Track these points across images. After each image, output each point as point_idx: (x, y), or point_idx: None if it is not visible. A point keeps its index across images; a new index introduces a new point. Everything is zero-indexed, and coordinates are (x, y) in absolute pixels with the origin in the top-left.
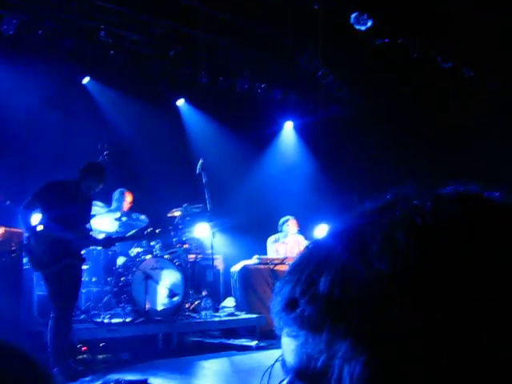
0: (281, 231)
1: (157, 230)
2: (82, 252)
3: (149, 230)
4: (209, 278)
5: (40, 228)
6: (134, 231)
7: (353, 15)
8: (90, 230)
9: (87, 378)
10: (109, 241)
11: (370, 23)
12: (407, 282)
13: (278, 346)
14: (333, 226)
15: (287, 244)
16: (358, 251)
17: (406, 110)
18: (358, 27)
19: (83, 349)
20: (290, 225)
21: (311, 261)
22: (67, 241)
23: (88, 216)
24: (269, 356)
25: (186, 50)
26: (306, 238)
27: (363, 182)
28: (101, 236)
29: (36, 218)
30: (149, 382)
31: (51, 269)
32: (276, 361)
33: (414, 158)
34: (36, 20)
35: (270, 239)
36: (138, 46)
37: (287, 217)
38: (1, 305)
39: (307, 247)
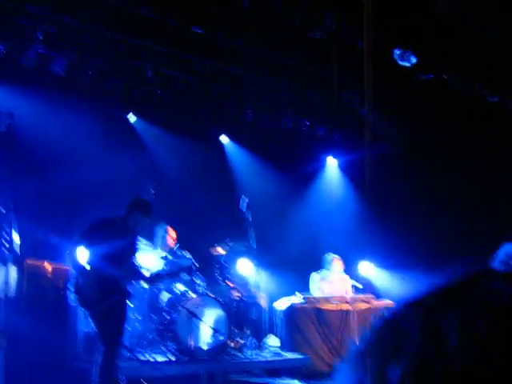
0: (326, 269)
1: (197, 265)
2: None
3: (191, 266)
4: (253, 316)
5: (88, 266)
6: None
7: (397, 52)
8: (136, 265)
9: None
10: (156, 277)
11: (414, 60)
12: (488, 380)
13: None
14: (404, 302)
15: (332, 283)
16: (435, 340)
17: (455, 145)
18: (402, 64)
19: None
20: (336, 264)
21: (382, 346)
22: (115, 277)
23: (134, 251)
24: None
25: (231, 89)
26: (351, 278)
27: (410, 221)
28: (146, 274)
29: (84, 256)
30: None
31: (101, 306)
32: None
33: (465, 195)
34: (86, 61)
35: (315, 277)
36: (184, 85)
37: (333, 255)
38: (48, 341)
39: (377, 324)
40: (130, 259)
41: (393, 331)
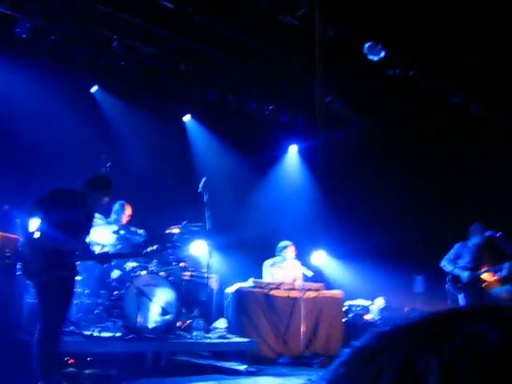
0: (279, 255)
1: (154, 247)
2: (77, 264)
3: (148, 250)
4: (202, 297)
5: (37, 235)
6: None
7: (366, 45)
8: (89, 243)
9: None
10: (106, 257)
11: (383, 54)
12: None
13: (266, 373)
14: (376, 333)
15: (284, 269)
16: (411, 382)
17: (414, 140)
18: (371, 57)
19: (70, 362)
20: (289, 251)
21: (350, 380)
22: (62, 252)
23: (89, 229)
24: (258, 383)
25: (196, 66)
26: (303, 264)
27: (365, 210)
28: (97, 248)
29: (35, 224)
30: None
31: (42, 278)
32: None
33: (419, 188)
34: (49, 25)
35: (267, 263)
36: (149, 58)
37: (286, 242)
38: None
39: (346, 354)
40: (83, 236)
41: (363, 366)
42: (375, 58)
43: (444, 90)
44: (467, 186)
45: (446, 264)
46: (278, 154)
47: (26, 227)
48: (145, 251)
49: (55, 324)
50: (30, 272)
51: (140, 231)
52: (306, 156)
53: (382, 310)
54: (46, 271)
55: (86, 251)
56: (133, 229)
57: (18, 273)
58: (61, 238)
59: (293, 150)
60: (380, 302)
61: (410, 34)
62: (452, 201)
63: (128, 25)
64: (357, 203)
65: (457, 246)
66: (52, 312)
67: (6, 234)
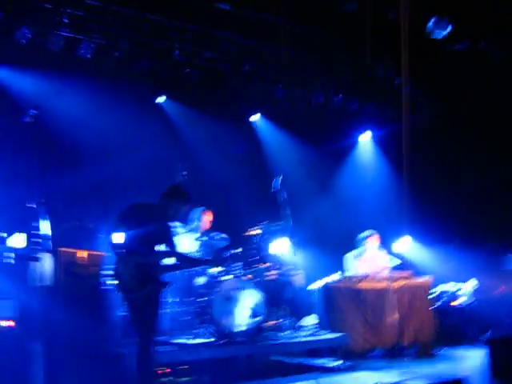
0: (361, 246)
1: (238, 250)
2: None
3: (233, 252)
4: (289, 295)
5: (125, 252)
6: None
7: (432, 20)
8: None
9: None
10: (191, 264)
11: (449, 28)
12: None
13: (361, 367)
14: None
15: (368, 259)
16: None
17: (490, 117)
18: (437, 32)
19: (166, 371)
20: (371, 240)
21: None
22: (151, 265)
23: (167, 237)
24: (355, 379)
25: (259, 64)
26: (389, 253)
27: (446, 192)
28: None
29: (121, 241)
30: None
31: (139, 293)
32: None
33: (503, 165)
34: (112, 43)
35: (350, 255)
36: (212, 62)
37: (368, 232)
38: (85, 329)
39: None
40: (168, 245)
41: None
42: (442, 33)
43: None
44: None
45: None
46: (351, 143)
47: (115, 244)
48: (230, 254)
49: (151, 336)
50: (126, 289)
51: (223, 235)
52: (380, 142)
53: (474, 292)
54: (142, 287)
55: (188, 259)
56: (215, 234)
57: (108, 287)
58: (146, 252)
59: (366, 138)
60: (472, 284)
61: (475, 5)
62: None
63: (186, 32)
64: (438, 187)
65: None
66: (149, 325)
67: (93, 252)
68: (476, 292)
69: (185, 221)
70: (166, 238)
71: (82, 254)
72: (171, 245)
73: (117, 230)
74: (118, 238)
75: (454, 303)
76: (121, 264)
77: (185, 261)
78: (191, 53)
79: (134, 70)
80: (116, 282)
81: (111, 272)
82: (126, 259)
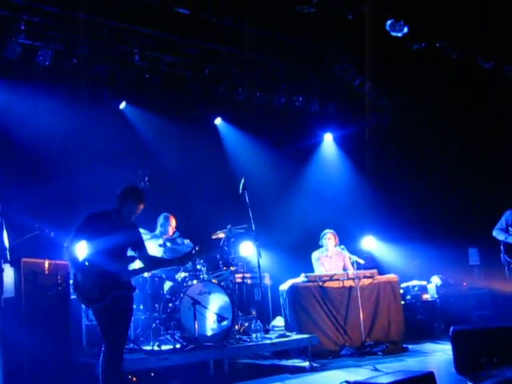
0: (321, 245)
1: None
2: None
3: (197, 248)
4: (257, 297)
5: (86, 262)
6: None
7: (388, 22)
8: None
9: None
10: (184, 258)
11: (406, 29)
12: None
13: (330, 367)
14: None
15: (331, 258)
16: None
17: (449, 114)
18: (394, 34)
19: (134, 379)
20: (329, 238)
21: None
22: (115, 272)
23: (140, 241)
24: (324, 379)
25: (220, 68)
26: (353, 252)
27: (409, 190)
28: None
29: (81, 251)
30: None
31: (100, 303)
32: None
33: (464, 161)
34: (70, 49)
35: (314, 255)
36: (172, 67)
37: (326, 230)
38: (51, 338)
39: None
40: (140, 250)
41: None
42: (399, 35)
43: (474, 57)
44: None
45: (497, 233)
46: (313, 144)
47: (73, 258)
48: (195, 249)
49: (118, 345)
50: (87, 300)
51: (186, 241)
52: (341, 143)
53: (439, 288)
54: (103, 297)
55: (157, 261)
56: (179, 240)
57: (72, 297)
58: (109, 260)
59: (328, 139)
60: (436, 280)
61: (430, 6)
62: (499, 170)
63: (146, 36)
64: (400, 185)
65: (507, 213)
66: (113, 334)
67: (55, 262)
68: (442, 287)
69: (148, 227)
70: (139, 241)
71: (44, 263)
72: (141, 247)
73: (76, 240)
74: (79, 249)
75: (421, 299)
76: (79, 274)
77: (154, 263)
78: (152, 58)
79: (94, 75)
80: (76, 292)
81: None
82: (87, 269)
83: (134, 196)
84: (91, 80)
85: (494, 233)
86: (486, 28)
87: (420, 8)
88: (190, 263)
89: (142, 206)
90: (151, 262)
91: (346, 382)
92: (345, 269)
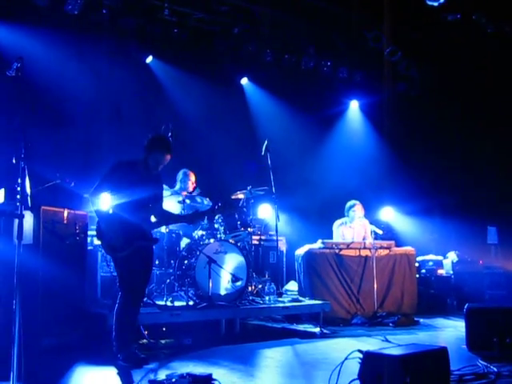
0: (347, 216)
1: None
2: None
3: (219, 204)
4: (272, 260)
5: (110, 211)
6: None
7: None
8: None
9: (150, 366)
10: (194, 216)
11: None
12: None
13: (341, 335)
14: None
15: (353, 228)
16: None
17: (478, 88)
18: (430, 3)
19: (145, 332)
20: (357, 210)
21: None
22: (138, 223)
23: (161, 195)
24: (334, 346)
25: (250, 28)
26: (371, 223)
27: (432, 163)
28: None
29: (106, 200)
30: (213, 376)
31: (124, 252)
32: (346, 359)
33: (487, 138)
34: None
35: (336, 223)
36: (201, 23)
37: (354, 201)
38: (66, 287)
39: None
40: (156, 204)
41: None
42: (435, 4)
43: (509, 32)
44: None
45: None
46: (338, 110)
47: (97, 206)
48: (218, 206)
49: (135, 296)
50: (110, 248)
51: (206, 201)
52: (367, 111)
53: (455, 264)
54: (126, 246)
55: (171, 216)
56: (198, 199)
57: (89, 247)
58: (134, 210)
59: (354, 106)
60: (453, 256)
61: None
62: None
63: None
64: (423, 157)
65: None
66: (132, 284)
67: (74, 211)
68: (458, 264)
69: (169, 184)
70: (161, 194)
71: (63, 212)
72: (159, 201)
73: (102, 191)
74: (104, 197)
75: (436, 274)
76: (103, 223)
77: (164, 217)
78: (181, 13)
79: (122, 27)
80: (99, 241)
81: (95, 232)
82: (111, 218)
83: (160, 146)
84: (119, 32)
85: None
86: None
87: None
88: (205, 222)
89: (168, 157)
90: (162, 217)
91: (359, 350)
92: (364, 239)
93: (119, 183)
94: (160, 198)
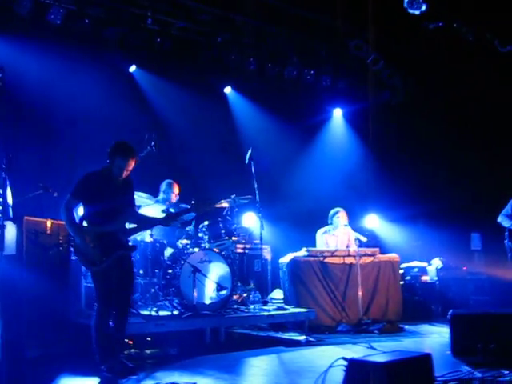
0: (331, 223)
1: (205, 223)
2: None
3: (193, 202)
4: (257, 268)
5: (85, 224)
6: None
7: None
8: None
9: (135, 376)
10: (169, 217)
11: (424, 7)
12: None
13: (326, 342)
14: None
15: (337, 236)
16: None
17: (460, 96)
18: (411, 11)
19: (129, 343)
20: (341, 216)
21: None
22: (115, 232)
23: (132, 199)
24: (319, 354)
25: (233, 37)
26: (356, 230)
27: (416, 170)
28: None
29: (79, 213)
30: None
31: (103, 264)
32: (330, 367)
33: (471, 145)
34: (82, 9)
35: (320, 231)
36: (184, 32)
37: (337, 208)
38: (50, 298)
39: None
40: (130, 209)
41: None
42: (416, 12)
43: (490, 40)
44: None
45: (503, 219)
46: (322, 119)
47: (71, 220)
48: (190, 206)
49: (114, 308)
50: (90, 263)
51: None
52: (351, 119)
53: (439, 271)
54: (105, 258)
55: (148, 220)
56: (182, 206)
57: (72, 258)
58: (107, 220)
59: (337, 114)
60: (437, 263)
61: None
62: (507, 156)
63: (160, 0)
64: (407, 165)
65: None
66: (109, 295)
67: (57, 221)
68: (442, 270)
69: (152, 192)
70: (131, 198)
71: (46, 222)
72: (133, 207)
73: (74, 205)
74: (77, 211)
75: (420, 280)
76: (77, 238)
77: (140, 221)
78: (164, 22)
79: (105, 37)
80: (78, 257)
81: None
82: (86, 232)
83: (120, 152)
84: (102, 42)
85: (499, 219)
86: (506, 11)
87: None
88: (191, 228)
89: (132, 162)
90: (137, 221)
91: (343, 358)
92: (348, 246)
93: (90, 195)
94: (132, 202)
